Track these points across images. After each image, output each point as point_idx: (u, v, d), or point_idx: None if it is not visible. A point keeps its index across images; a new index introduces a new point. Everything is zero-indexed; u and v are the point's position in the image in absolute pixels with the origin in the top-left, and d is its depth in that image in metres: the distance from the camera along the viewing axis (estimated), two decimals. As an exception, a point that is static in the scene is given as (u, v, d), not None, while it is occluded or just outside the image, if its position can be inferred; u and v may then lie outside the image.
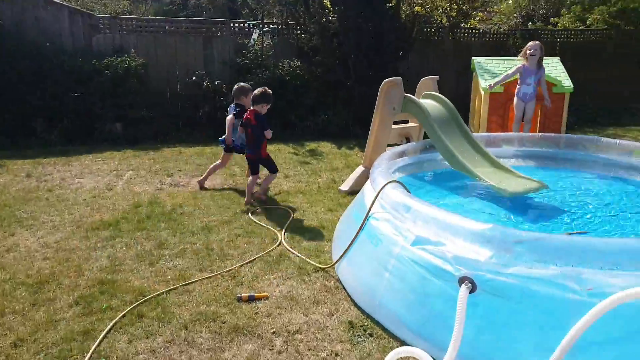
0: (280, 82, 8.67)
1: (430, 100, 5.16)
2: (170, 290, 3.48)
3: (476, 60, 6.81)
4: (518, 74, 6.04)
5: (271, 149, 7.56)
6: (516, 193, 4.07)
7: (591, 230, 3.70)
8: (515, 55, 9.73)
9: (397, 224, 3.28)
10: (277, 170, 5.49)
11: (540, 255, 2.60)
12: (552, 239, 2.64)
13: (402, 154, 4.80)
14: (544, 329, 2.49)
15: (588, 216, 3.97)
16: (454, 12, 10.45)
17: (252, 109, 5.17)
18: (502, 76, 6.14)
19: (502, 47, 10.13)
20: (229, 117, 5.61)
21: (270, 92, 5.17)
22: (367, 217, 3.55)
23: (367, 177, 5.54)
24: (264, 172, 5.52)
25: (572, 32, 10.88)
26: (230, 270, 3.78)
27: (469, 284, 2.68)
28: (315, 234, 4.44)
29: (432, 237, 2.97)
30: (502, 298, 2.62)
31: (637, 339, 2.31)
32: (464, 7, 10.28)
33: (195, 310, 3.23)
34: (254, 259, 3.96)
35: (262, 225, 4.66)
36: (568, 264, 2.53)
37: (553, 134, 5.59)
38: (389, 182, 3.60)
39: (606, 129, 9.29)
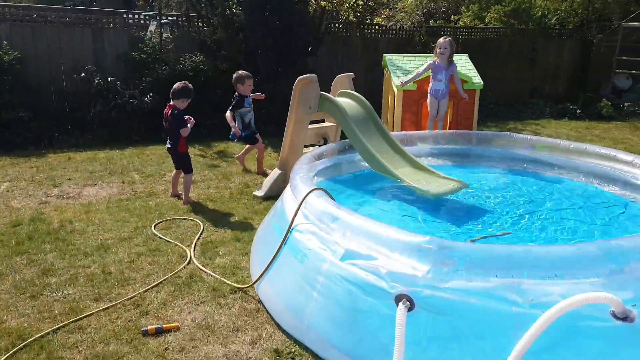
0: (182, 78, 7.93)
1: (346, 99, 4.93)
2: (58, 328, 2.92)
3: (387, 57, 6.73)
4: (430, 71, 6.02)
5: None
6: (439, 194, 3.95)
7: (514, 230, 3.66)
8: (421, 51, 9.97)
9: (324, 237, 2.98)
10: (191, 171, 5.16)
11: (480, 268, 2.43)
12: (493, 250, 2.48)
13: (320, 156, 4.51)
14: (488, 346, 2.32)
15: (516, 214, 3.95)
16: (360, 7, 10.40)
17: (170, 103, 4.97)
18: (414, 73, 6.09)
19: (408, 43, 10.25)
20: (227, 113, 5.87)
21: (191, 86, 5.04)
22: (289, 230, 3.21)
23: (284, 181, 5.25)
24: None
25: (473, 30, 11.32)
26: (133, 297, 3.27)
27: (407, 302, 2.45)
28: (230, 249, 4.02)
29: (364, 250, 2.71)
30: (442, 315, 2.41)
31: (559, 349, 2.21)
32: (370, 2, 10.27)
33: (91, 352, 2.72)
34: (160, 282, 3.47)
35: (167, 241, 4.14)
36: (508, 275, 2.38)
37: (467, 131, 5.63)
38: (313, 190, 3.28)
39: (507, 123, 9.74)
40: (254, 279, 3.32)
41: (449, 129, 6.10)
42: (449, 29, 11.21)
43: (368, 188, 4.48)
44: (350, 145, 4.75)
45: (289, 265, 3.10)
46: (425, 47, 10.05)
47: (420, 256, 2.53)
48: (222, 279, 3.48)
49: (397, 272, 2.53)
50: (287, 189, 3.84)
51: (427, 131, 5.72)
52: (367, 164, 4.60)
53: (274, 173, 5.24)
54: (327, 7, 9.57)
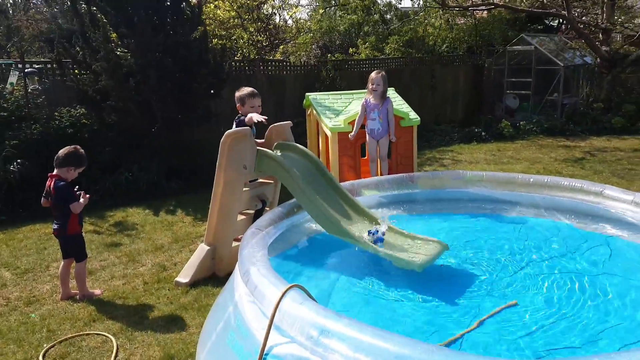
0: (59, 137, 6.58)
1: (287, 153, 4.03)
2: None
3: (311, 96, 5.99)
4: (364, 111, 5.38)
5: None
6: (424, 265, 3.18)
7: (517, 297, 3.00)
8: (330, 86, 9.45)
9: (319, 365, 2.03)
10: (85, 257, 4.01)
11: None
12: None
13: (266, 226, 3.53)
14: None
15: (507, 274, 3.30)
16: (259, 44, 9.67)
17: (54, 173, 3.88)
18: (355, 120, 5.39)
19: (316, 79, 9.68)
20: None
21: (82, 152, 3.95)
22: (262, 358, 2.21)
23: (214, 259, 4.18)
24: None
25: (375, 61, 11.10)
26: None
27: None
28: (163, 376, 2.88)
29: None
30: None
31: None
32: (272, 39, 9.60)
33: None
34: None
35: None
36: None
37: (416, 173, 5.02)
38: (286, 291, 2.33)
39: (424, 152, 9.46)
40: None
41: (390, 170, 5.46)
42: (352, 62, 10.90)
43: (329, 261, 3.61)
44: (297, 205, 3.86)
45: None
46: (334, 82, 9.55)
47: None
48: None
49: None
50: (238, 283, 2.82)
51: (371, 178, 5.01)
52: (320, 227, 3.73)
53: (200, 250, 4.15)
54: (227, 45, 8.69)
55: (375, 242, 3.44)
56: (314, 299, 2.40)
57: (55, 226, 3.91)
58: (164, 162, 7.37)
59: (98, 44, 6.75)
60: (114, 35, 7.33)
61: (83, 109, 7.12)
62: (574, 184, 4.37)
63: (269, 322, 2.27)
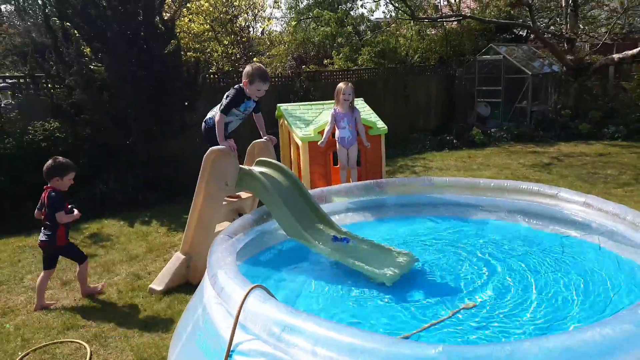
0: (32, 151, 6.63)
1: (267, 170, 4.14)
2: None
3: (282, 107, 6.15)
4: (334, 120, 5.56)
5: (32, 242, 5.56)
6: (394, 279, 3.31)
7: (477, 295, 3.17)
8: (304, 97, 9.63)
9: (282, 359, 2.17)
10: (85, 258, 4.28)
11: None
12: (524, 352, 1.88)
13: (235, 233, 3.66)
14: None
15: (469, 275, 3.48)
16: (233, 56, 9.82)
17: (47, 186, 4.06)
18: (325, 130, 5.57)
19: (290, 90, 9.85)
20: (216, 116, 4.15)
21: (60, 160, 4.10)
22: (229, 354, 2.34)
23: (187, 267, 4.29)
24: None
25: (349, 72, 11.34)
26: None
27: None
28: (135, 380, 2.98)
29: (350, 376, 1.96)
30: None
31: None
32: (246, 51, 9.76)
33: None
34: None
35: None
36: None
37: (385, 179, 5.21)
38: (250, 290, 2.46)
39: (396, 160, 9.70)
40: None
41: (359, 177, 5.64)
42: (326, 73, 11.11)
43: (297, 267, 3.74)
44: (267, 213, 3.99)
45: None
46: (308, 93, 9.74)
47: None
48: None
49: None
50: (207, 287, 2.94)
51: (341, 185, 5.17)
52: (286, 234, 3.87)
53: (175, 259, 4.25)
54: (201, 58, 8.81)
55: (342, 240, 3.61)
56: (275, 298, 2.54)
57: (44, 237, 4.03)
58: (140, 173, 7.44)
59: (71, 59, 6.82)
60: (87, 49, 7.41)
61: (57, 123, 7.16)
62: (531, 187, 4.59)
63: (234, 320, 2.39)
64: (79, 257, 4.22)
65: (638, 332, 1.95)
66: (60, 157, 4.14)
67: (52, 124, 7.19)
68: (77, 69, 6.69)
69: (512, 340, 2.59)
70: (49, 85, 7.31)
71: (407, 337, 2.69)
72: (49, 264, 4.11)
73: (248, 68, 4.14)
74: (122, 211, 6.75)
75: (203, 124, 4.41)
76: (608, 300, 3.02)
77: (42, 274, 4.09)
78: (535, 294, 3.18)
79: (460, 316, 2.90)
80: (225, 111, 4.16)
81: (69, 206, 4.10)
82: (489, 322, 2.83)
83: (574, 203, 4.25)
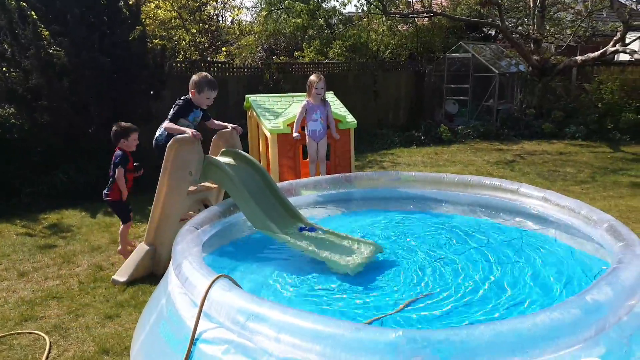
0: (-14, 138, 6.39)
1: (233, 161, 4.09)
2: None
3: (251, 98, 6.09)
4: (305, 113, 5.54)
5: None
6: (357, 269, 3.35)
7: (438, 285, 3.24)
8: (274, 89, 9.57)
9: (247, 346, 2.17)
10: (128, 220, 4.57)
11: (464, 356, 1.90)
12: (478, 335, 1.94)
13: (201, 224, 3.62)
14: None
15: (430, 267, 3.54)
16: (202, 45, 9.67)
17: (117, 147, 4.52)
18: (295, 120, 5.54)
19: (259, 81, 9.77)
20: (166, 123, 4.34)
21: (127, 124, 4.48)
22: (193, 343, 2.32)
23: (153, 259, 4.22)
24: None
25: (320, 65, 11.32)
26: None
27: None
28: (96, 370, 2.92)
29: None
30: None
31: None
32: (214, 41, 9.61)
33: None
34: None
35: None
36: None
37: (353, 173, 5.23)
38: (215, 280, 2.45)
39: (365, 155, 9.76)
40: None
41: (328, 171, 5.65)
42: (296, 65, 11.07)
43: (263, 258, 3.73)
44: (233, 205, 3.96)
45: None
46: (277, 85, 9.68)
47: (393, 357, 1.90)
48: None
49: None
50: (171, 277, 2.91)
51: (309, 178, 5.18)
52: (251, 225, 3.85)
53: (140, 249, 4.17)
54: (167, 46, 8.63)
55: (309, 230, 3.64)
56: (240, 287, 2.53)
57: (105, 191, 4.48)
58: (102, 163, 7.24)
59: (28, 41, 6.54)
60: (45, 32, 7.12)
61: (12, 109, 6.88)
62: (494, 182, 4.72)
63: (199, 309, 2.38)
64: (123, 218, 4.52)
65: (584, 316, 2.07)
66: (122, 122, 4.48)
67: (7, 110, 6.91)
68: (34, 52, 6.43)
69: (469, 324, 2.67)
70: (4, 68, 6.99)
71: (369, 323, 2.74)
72: (123, 218, 4.51)
73: (195, 77, 4.19)
74: (84, 201, 6.56)
75: (154, 141, 4.39)
76: (561, 288, 3.15)
77: (121, 227, 4.53)
78: (495, 283, 3.28)
79: (422, 305, 2.96)
80: (173, 120, 4.18)
81: (134, 164, 4.49)
82: (451, 310, 2.91)
83: (533, 198, 4.38)
